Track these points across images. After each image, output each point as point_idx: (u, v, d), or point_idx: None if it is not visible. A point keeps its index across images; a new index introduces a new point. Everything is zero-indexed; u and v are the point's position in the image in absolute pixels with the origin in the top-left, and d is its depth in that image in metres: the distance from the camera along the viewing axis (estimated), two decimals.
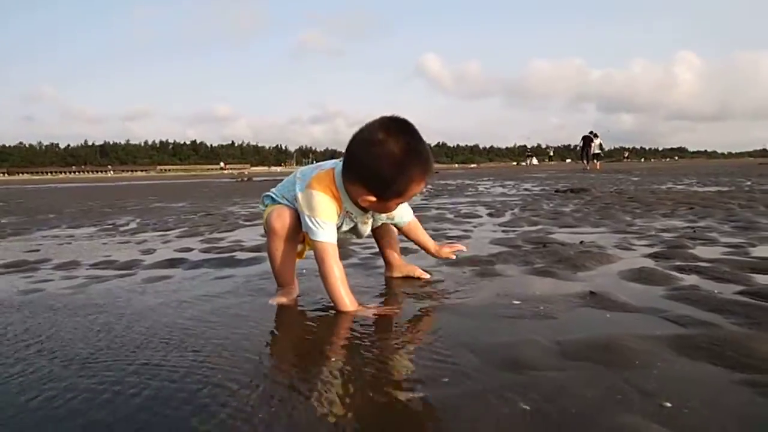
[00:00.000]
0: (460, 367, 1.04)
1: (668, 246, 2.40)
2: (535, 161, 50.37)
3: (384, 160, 1.39)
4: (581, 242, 2.58)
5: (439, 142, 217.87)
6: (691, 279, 1.72)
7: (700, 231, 2.86)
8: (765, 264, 1.88)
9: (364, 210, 1.63)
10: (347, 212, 1.61)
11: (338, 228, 1.62)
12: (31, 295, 1.88)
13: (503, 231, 3.22)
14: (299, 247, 1.79)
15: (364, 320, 1.40)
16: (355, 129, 1.49)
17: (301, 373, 1.07)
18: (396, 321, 1.40)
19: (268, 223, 1.64)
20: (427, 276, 1.88)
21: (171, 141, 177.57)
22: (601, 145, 22.37)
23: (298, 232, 1.66)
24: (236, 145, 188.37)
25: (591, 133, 22.44)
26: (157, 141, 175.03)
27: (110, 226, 4.60)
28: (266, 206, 1.74)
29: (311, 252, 1.63)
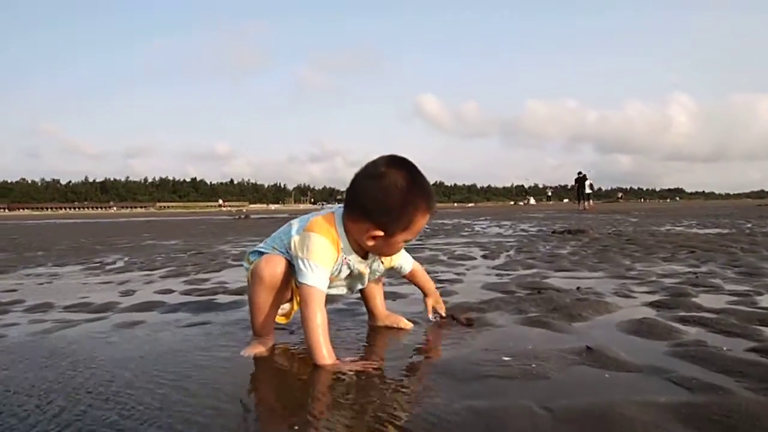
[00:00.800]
0: None
1: (670, 293, 2.28)
2: (533, 201, 50.48)
3: (390, 191, 1.39)
4: (578, 288, 2.46)
5: (436, 181, 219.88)
6: (695, 332, 1.60)
7: (702, 277, 2.74)
8: None
9: (364, 257, 1.54)
10: (345, 259, 1.51)
11: (335, 275, 1.52)
12: None
13: (497, 275, 3.11)
14: (286, 307, 1.68)
15: (342, 378, 1.27)
16: (355, 168, 1.49)
17: None
18: (374, 379, 1.27)
19: (256, 269, 1.51)
20: (411, 326, 1.76)
21: (171, 178, 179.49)
22: (591, 185, 23.48)
23: (287, 285, 1.54)
24: (235, 183, 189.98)
25: (580, 174, 23.58)
26: (157, 178, 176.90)
27: (97, 265, 4.48)
28: (251, 263, 1.60)
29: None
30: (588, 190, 23.09)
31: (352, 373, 1.30)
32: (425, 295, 1.86)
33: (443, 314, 1.85)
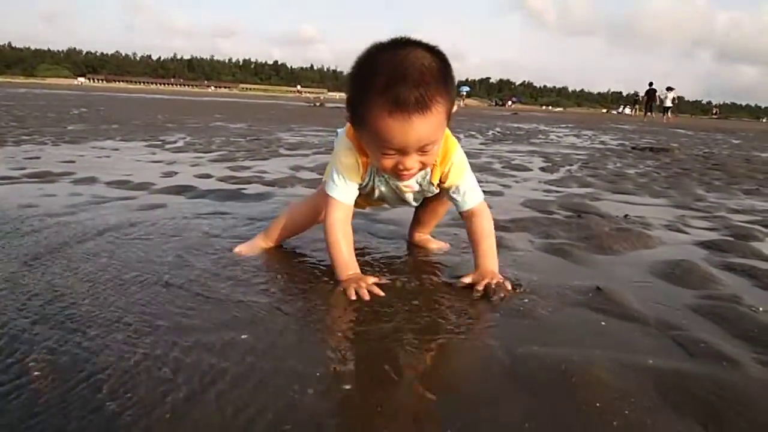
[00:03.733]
0: (370, 378, 0.84)
1: (732, 233, 2.00)
2: (627, 110, 46.34)
3: (349, 79, 1.11)
4: (626, 216, 2.22)
5: (524, 81, 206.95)
6: (737, 285, 1.37)
7: None
8: None
9: None
10: (377, 170, 1.31)
11: (366, 186, 1.34)
12: (23, 210, 1.85)
13: (544, 191, 2.88)
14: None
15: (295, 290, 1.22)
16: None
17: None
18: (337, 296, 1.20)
19: (324, 197, 1.34)
20: (440, 246, 1.58)
21: (254, 60, 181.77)
22: (674, 98, 23.63)
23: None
24: (315, 69, 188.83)
25: (651, 84, 23.80)
26: (240, 59, 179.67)
27: (159, 143, 4.66)
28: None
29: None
30: (669, 104, 23.17)
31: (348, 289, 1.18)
32: (475, 266, 1.31)
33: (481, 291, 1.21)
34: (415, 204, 1.49)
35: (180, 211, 1.95)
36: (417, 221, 1.63)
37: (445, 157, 1.28)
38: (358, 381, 0.82)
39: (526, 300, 1.19)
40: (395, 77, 1.01)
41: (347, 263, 1.26)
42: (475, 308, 1.14)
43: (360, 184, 1.32)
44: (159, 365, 0.83)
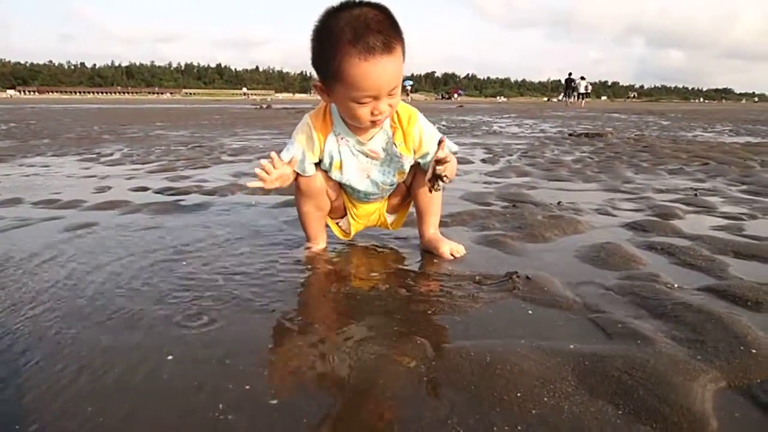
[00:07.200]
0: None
1: (655, 213, 2.11)
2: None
3: (314, 37, 1.21)
4: (559, 203, 2.30)
5: (468, 74, 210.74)
6: (656, 263, 1.46)
7: (702, 195, 2.54)
8: (753, 247, 1.59)
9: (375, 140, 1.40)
10: (342, 139, 1.39)
11: (330, 164, 1.43)
12: None
13: (484, 183, 2.94)
14: (344, 224, 1.63)
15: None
16: None
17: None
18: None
19: (295, 181, 1.46)
20: (451, 258, 1.49)
21: (196, 64, 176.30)
22: (587, 86, 27.69)
23: (330, 190, 1.51)
24: (261, 70, 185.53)
25: (570, 74, 27.80)
26: (182, 64, 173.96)
27: (94, 156, 4.46)
28: None
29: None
30: (583, 90, 27.14)
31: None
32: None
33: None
34: (387, 178, 1.47)
35: (108, 229, 1.88)
36: (418, 214, 1.59)
37: (410, 120, 1.40)
38: (280, 389, 0.82)
39: (459, 294, 1.22)
40: (361, 28, 1.13)
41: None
42: (403, 306, 1.15)
43: (320, 160, 1.43)
44: (84, 366, 0.80)
